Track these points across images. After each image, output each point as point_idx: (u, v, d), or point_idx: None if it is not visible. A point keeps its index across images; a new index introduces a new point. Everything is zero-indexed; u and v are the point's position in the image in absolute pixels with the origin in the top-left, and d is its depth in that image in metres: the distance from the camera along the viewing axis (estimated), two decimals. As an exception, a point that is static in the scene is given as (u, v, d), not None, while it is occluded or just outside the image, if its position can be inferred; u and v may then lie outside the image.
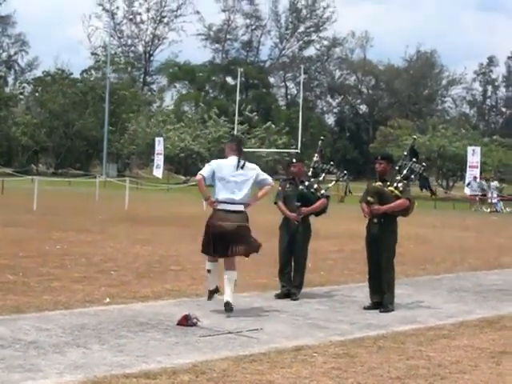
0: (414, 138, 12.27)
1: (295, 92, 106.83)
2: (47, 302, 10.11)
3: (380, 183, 10.83)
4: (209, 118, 68.27)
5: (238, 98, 66.75)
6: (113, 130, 74.03)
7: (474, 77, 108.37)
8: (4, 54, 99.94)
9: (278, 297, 11.25)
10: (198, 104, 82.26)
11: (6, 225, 20.31)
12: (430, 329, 9.49)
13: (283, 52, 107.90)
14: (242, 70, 68.16)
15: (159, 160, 60.52)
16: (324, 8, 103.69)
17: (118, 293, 10.84)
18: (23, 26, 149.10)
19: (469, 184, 47.52)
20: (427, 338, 8.96)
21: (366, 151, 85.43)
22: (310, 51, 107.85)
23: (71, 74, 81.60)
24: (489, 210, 43.30)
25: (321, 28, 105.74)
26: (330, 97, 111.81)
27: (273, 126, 72.62)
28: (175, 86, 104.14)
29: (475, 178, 47.53)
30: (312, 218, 11.65)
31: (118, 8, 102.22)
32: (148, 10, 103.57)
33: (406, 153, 11.22)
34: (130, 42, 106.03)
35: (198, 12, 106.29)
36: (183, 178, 61.43)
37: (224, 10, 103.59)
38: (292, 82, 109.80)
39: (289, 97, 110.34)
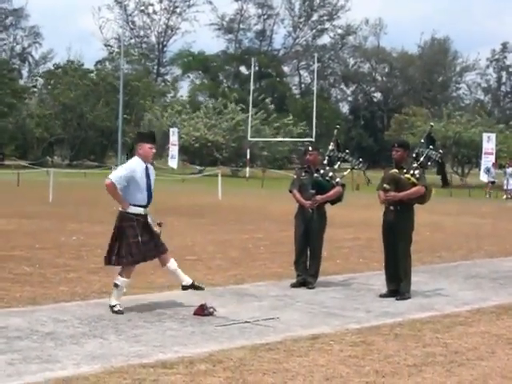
0: (431, 125, 12.18)
1: (309, 81, 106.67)
2: (64, 293, 10.14)
3: (396, 170, 10.79)
4: (224, 108, 68.26)
5: (252, 88, 66.64)
6: (127, 121, 74.06)
7: (487, 63, 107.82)
8: (18, 47, 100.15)
9: (294, 286, 11.24)
10: (213, 94, 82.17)
11: (22, 217, 20.39)
12: (446, 316, 9.47)
13: (297, 41, 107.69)
14: (255, 59, 68.03)
15: (174, 150, 60.56)
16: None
17: (134, 283, 10.83)
18: (36, 19, 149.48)
19: (488, 170, 47.12)
20: (444, 325, 8.95)
21: (380, 139, 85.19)
22: (324, 39, 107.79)
23: (82, 64, 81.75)
24: (505, 196, 43.11)
25: (334, 16, 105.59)
26: (344, 85, 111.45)
27: (289, 117, 72.48)
28: (189, 76, 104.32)
29: (494, 164, 47.22)
30: (327, 206, 11.62)
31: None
32: (160, 1, 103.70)
33: (422, 140, 11.17)
34: (142, 33, 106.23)
35: (210, 2, 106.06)
36: (198, 168, 61.31)
37: (236, 0, 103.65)
38: (306, 70, 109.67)
39: (303, 86, 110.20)
